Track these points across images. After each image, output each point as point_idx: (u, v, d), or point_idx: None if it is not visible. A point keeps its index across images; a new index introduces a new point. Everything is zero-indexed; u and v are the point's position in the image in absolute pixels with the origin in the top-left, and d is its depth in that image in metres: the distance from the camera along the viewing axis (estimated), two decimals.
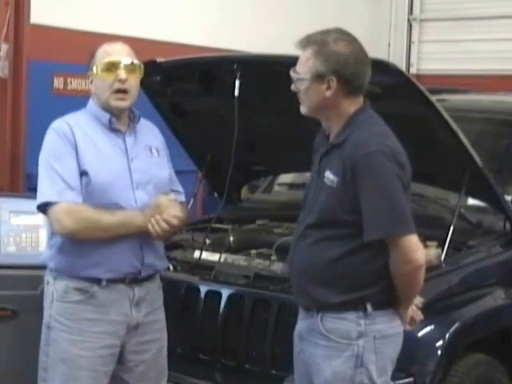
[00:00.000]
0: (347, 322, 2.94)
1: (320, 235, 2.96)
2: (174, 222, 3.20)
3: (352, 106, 2.98)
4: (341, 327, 2.94)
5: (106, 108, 3.28)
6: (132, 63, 3.27)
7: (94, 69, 3.27)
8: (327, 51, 2.92)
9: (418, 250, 2.89)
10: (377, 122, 3.01)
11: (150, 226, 3.17)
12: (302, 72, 2.96)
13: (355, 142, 2.91)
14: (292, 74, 2.99)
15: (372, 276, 2.94)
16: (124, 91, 3.24)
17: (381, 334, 2.96)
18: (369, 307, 2.94)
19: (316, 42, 2.94)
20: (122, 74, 3.22)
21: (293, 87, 3.01)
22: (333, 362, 2.94)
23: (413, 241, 2.88)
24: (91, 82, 3.32)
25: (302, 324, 3.06)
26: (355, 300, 2.93)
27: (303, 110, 3.02)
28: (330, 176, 2.94)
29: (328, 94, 2.94)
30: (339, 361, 2.93)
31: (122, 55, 3.27)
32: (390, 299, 2.98)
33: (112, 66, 3.23)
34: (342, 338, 2.93)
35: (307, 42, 2.97)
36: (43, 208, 3.21)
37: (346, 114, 2.98)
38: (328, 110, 2.98)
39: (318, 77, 2.93)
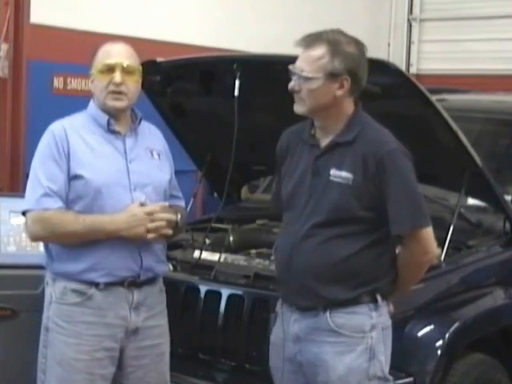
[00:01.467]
0: (359, 316, 2.96)
1: (330, 233, 2.96)
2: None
3: (350, 105, 3.01)
4: (353, 322, 2.96)
5: (104, 109, 3.26)
6: (130, 66, 3.23)
7: (93, 69, 3.26)
8: (343, 51, 2.92)
9: (434, 242, 3.04)
10: (374, 121, 3.04)
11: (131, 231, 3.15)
12: (311, 70, 2.93)
13: (374, 138, 2.95)
14: (298, 72, 2.95)
15: (383, 269, 3.00)
16: (119, 93, 3.22)
17: (385, 325, 3.02)
18: (379, 299, 2.98)
19: (329, 40, 2.93)
20: (117, 77, 3.19)
21: (292, 86, 2.97)
22: (345, 357, 2.94)
23: (431, 233, 3.01)
24: (92, 81, 3.30)
25: (298, 325, 3.04)
26: (367, 293, 2.97)
27: (301, 109, 2.99)
28: (341, 174, 2.95)
29: (339, 93, 2.95)
30: (353, 355, 2.94)
31: (121, 57, 3.24)
32: (391, 291, 3.03)
33: (108, 69, 3.21)
34: (355, 332, 2.95)
35: (317, 39, 2.94)
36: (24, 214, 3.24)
37: (346, 114, 3.00)
38: (331, 109, 2.98)
39: (332, 76, 2.92)
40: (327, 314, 2.97)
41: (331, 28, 3.01)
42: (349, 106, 3.00)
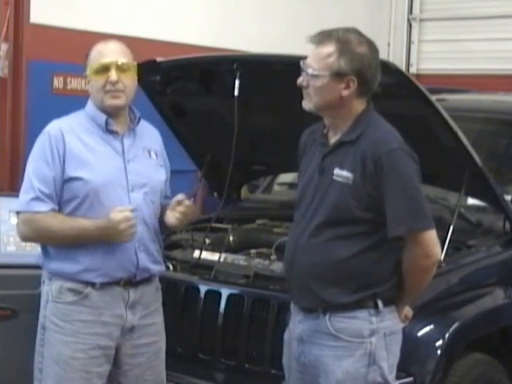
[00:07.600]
0: (358, 321, 2.93)
1: (331, 234, 2.93)
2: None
3: (361, 105, 2.98)
4: (352, 326, 2.93)
5: (102, 108, 3.25)
6: (124, 63, 3.22)
7: (88, 70, 3.25)
8: (352, 51, 2.89)
9: (437, 245, 2.96)
10: (383, 121, 3.01)
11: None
12: (318, 68, 2.91)
13: (375, 138, 2.91)
14: (305, 68, 2.93)
15: (384, 274, 2.95)
16: (116, 91, 3.21)
17: (390, 331, 2.97)
18: (380, 304, 2.94)
19: (339, 39, 2.90)
20: (113, 75, 3.19)
21: (300, 81, 2.95)
22: (344, 361, 2.92)
23: (433, 236, 2.93)
24: (88, 82, 3.29)
25: (301, 326, 3.03)
26: (367, 298, 2.93)
27: (308, 105, 2.97)
28: (342, 173, 2.92)
29: (345, 93, 2.91)
30: (351, 360, 2.92)
31: (115, 55, 3.23)
32: (395, 296, 2.99)
33: (103, 68, 3.20)
34: (353, 336, 2.92)
35: (327, 37, 2.91)
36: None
37: (355, 113, 2.97)
38: (338, 108, 2.95)
39: (338, 75, 2.89)
40: (327, 317, 2.95)
41: (347, 26, 2.97)
42: (359, 107, 2.97)
